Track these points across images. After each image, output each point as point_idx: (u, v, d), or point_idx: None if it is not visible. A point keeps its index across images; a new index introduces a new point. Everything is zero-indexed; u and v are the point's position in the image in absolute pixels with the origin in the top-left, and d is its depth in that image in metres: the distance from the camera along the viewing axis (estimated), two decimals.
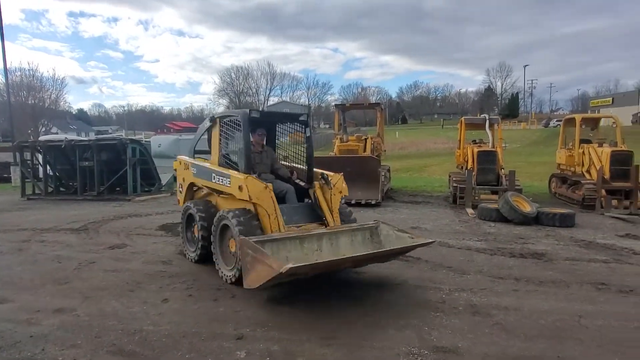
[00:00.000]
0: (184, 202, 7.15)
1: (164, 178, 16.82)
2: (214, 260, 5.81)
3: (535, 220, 9.13)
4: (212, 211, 6.27)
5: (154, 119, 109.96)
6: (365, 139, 14.24)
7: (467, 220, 9.61)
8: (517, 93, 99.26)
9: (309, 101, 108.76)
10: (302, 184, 6.28)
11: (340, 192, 6.17)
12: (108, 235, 8.81)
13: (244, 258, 4.57)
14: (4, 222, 10.37)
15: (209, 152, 6.93)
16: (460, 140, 14.48)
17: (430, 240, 5.53)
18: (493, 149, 12.46)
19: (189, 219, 6.65)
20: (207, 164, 6.50)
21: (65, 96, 67.28)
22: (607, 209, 10.60)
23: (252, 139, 6.22)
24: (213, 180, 6.11)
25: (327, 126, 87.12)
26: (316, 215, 5.88)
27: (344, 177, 12.48)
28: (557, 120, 54.34)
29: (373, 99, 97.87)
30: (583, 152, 12.35)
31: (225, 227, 5.60)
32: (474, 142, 13.73)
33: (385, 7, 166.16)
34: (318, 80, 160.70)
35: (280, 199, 5.86)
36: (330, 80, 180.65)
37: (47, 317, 4.51)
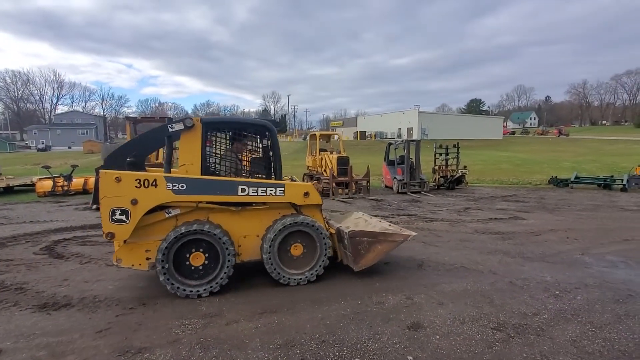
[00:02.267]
0: (130, 234, 4.20)
1: None
2: (273, 272, 4.57)
3: None
4: (220, 231, 4.39)
5: None
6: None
7: None
8: (285, 114, 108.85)
9: (104, 112, 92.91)
10: None
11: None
12: None
13: (357, 246, 4.77)
14: None
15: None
16: None
17: (361, 214, 6.04)
18: None
19: (180, 250, 4.31)
20: (201, 177, 4.46)
21: None
22: (336, 195, 12.75)
23: (237, 147, 4.97)
24: (242, 193, 4.48)
25: (125, 137, 76.36)
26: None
27: None
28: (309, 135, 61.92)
29: (170, 114, 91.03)
30: (322, 157, 14.51)
31: (288, 237, 4.69)
32: None
33: (174, 33, 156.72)
34: (113, 93, 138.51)
35: None
36: (127, 94, 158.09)
37: None
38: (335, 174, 13.18)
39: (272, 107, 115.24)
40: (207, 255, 4.40)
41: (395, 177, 14.11)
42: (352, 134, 61.04)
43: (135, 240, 4.30)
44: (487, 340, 3.28)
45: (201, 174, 4.54)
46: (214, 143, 4.94)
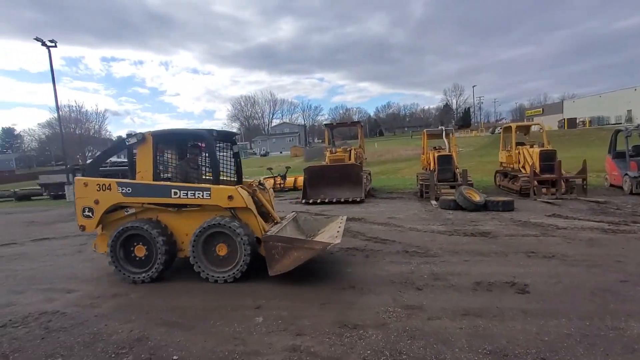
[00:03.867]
0: (96, 227, 5.42)
1: None
2: (197, 269, 5.03)
3: (484, 207, 9.38)
4: (164, 227, 5.27)
5: None
6: (350, 150, 14.46)
7: (431, 210, 9.85)
8: (469, 107, 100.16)
9: (304, 121, 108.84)
10: None
11: (272, 193, 6.36)
12: None
13: (271, 251, 4.72)
14: (63, 231, 10.47)
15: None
16: (423, 148, 14.78)
17: (343, 217, 6.27)
18: (449, 153, 12.72)
19: (127, 241, 5.28)
20: (145, 182, 5.27)
21: (106, 126, 67.76)
22: (538, 195, 10.90)
23: (191, 156, 5.75)
24: (175, 196, 5.10)
25: (320, 141, 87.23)
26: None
27: (334, 181, 12.71)
28: (499, 128, 54.84)
29: (355, 118, 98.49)
30: (519, 152, 12.67)
31: (212, 235, 5.02)
32: (435, 148, 14.01)
33: (356, 44, 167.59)
34: (311, 105, 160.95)
35: None
36: (320, 104, 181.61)
37: (106, 301, 4.66)
38: (537, 170, 11.29)
39: (453, 101, 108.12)
40: (146, 247, 5.19)
41: (627, 174, 10.92)
42: (556, 123, 50.72)
43: (105, 232, 5.46)
44: None
45: (153, 180, 5.24)
46: (163, 153, 5.52)
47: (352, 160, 13.69)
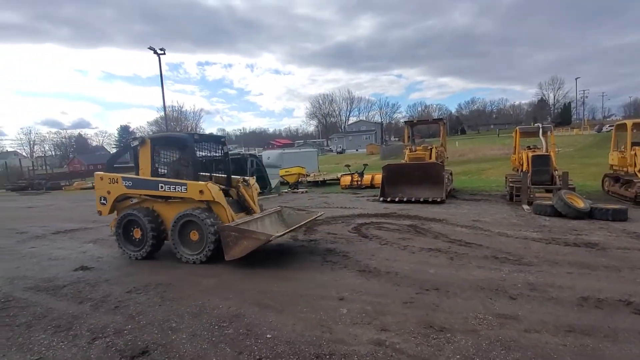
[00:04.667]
0: (109, 212, 6.68)
1: (273, 183, 17.66)
2: (174, 250, 5.96)
3: (589, 215, 8.26)
4: (155, 215, 6.28)
5: (262, 138, 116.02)
6: (431, 149, 13.88)
7: (523, 215, 8.99)
8: (570, 102, 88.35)
9: (381, 119, 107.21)
10: (222, 187, 6.45)
11: (257, 189, 7.13)
12: None
13: (226, 239, 5.40)
14: None
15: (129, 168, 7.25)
16: (515, 147, 13.48)
17: (321, 213, 6.89)
18: (546, 153, 11.41)
19: (127, 225, 6.41)
20: (142, 177, 6.32)
21: (201, 124, 75.34)
22: None
23: (183, 155, 6.59)
24: (161, 189, 6.05)
25: (397, 139, 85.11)
26: (241, 208, 6.60)
27: (414, 180, 12.36)
28: (609, 126, 47.38)
29: (435, 115, 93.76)
30: (635, 153, 10.84)
31: (187, 223, 5.86)
32: (529, 147, 12.70)
33: (437, 37, 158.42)
34: (388, 102, 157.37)
35: None
36: (398, 101, 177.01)
37: (207, 279, 5.17)
38: None
39: (551, 95, 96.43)
40: (140, 231, 6.26)
41: None
42: None
43: (116, 217, 6.61)
44: None
45: (150, 176, 6.24)
46: (159, 153, 6.47)
47: (433, 159, 13.12)
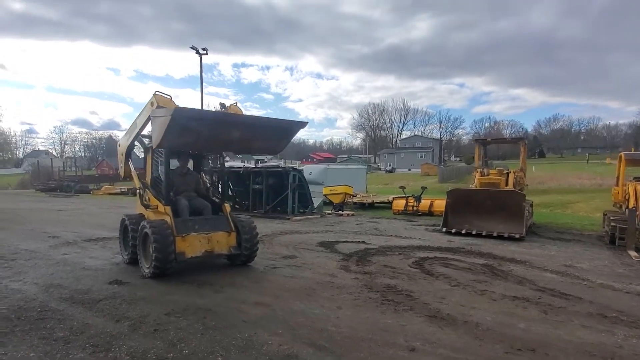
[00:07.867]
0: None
1: (315, 202, 17.68)
2: (139, 260, 6.97)
3: None
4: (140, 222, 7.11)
5: (301, 150, 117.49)
6: (507, 173, 13.30)
7: (631, 264, 8.23)
8: None
9: (440, 135, 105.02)
10: (217, 200, 7.77)
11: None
12: (279, 247, 9.79)
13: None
14: None
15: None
16: (618, 177, 12.53)
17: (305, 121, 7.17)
18: None
19: (125, 230, 7.62)
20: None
21: None
22: None
23: (178, 163, 7.63)
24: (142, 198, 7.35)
25: (458, 159, 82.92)
26: (223, 226, 7.21)
27: (486, 210, 11.87)
28: None
29: (506, 133, 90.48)
30: None
31: (147, 235, 6.54)
32: (637, 179, 11.74)
33: (510, 41, 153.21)
34: (449, 115, 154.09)
35: (199, 212, 7.23)
36: (461, 115, 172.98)
37: (250, 308, 5.25)
38: None
39: None
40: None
41: None
42: None
43: None
44: None
45: (150, 183, 7.44)
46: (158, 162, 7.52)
47: (510, 186, 12.54)
